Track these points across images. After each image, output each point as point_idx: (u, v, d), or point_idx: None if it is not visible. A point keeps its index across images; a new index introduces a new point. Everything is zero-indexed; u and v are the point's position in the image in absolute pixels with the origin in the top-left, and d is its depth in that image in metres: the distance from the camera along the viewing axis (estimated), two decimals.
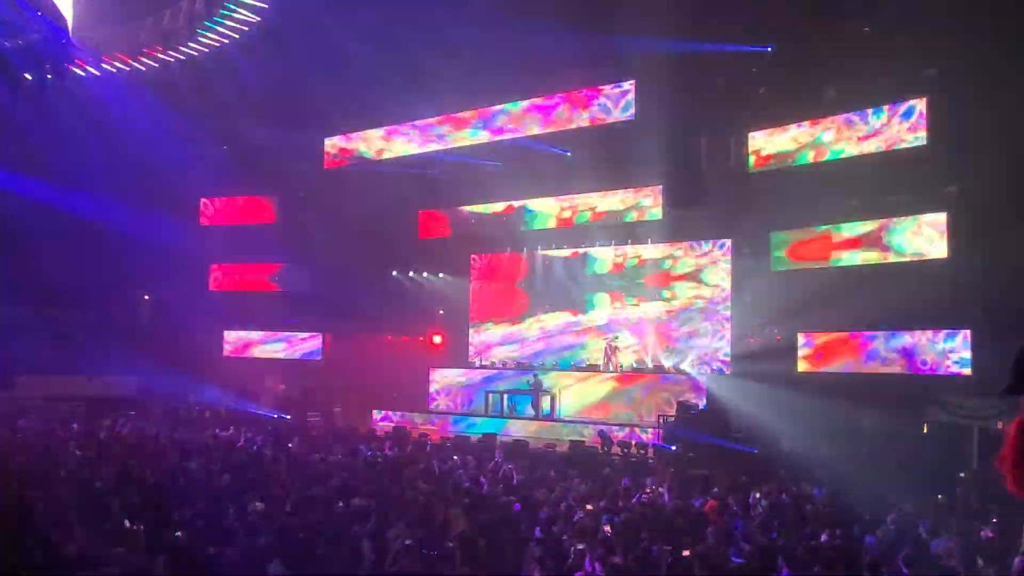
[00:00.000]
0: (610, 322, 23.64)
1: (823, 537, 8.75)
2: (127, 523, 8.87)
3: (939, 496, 12.07)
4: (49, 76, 20.94)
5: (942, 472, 13.64)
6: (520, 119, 23.28)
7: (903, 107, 17.84)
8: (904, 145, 17.78)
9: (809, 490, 12.39)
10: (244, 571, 7.34)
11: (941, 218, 17.61)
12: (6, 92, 21.73)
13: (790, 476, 13.67)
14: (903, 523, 9.65)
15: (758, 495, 11.72)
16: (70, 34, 19.07)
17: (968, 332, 17.19)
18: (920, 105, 17.53)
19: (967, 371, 17.09)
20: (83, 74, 23.46)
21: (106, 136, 24.81)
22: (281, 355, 29.00)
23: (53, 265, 24.52)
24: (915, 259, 18.07)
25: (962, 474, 13.95)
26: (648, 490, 12.09)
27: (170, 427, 19.38)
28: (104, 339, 25.17)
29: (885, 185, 18.42)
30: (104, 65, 23.53)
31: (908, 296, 17.63)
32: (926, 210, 17.96)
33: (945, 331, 17.69)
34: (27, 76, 20.92)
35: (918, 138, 17.49)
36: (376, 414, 24.07)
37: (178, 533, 8.27)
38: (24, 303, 24.36)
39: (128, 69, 23.66)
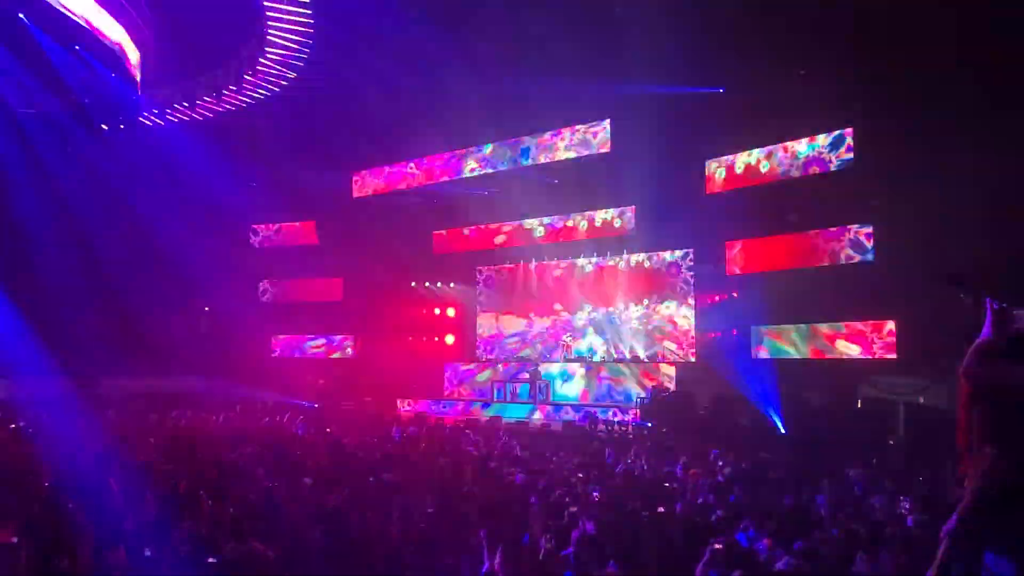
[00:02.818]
0: (591, 321, 23.59)
1: (787, 499, 8.70)
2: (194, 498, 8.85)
3: (873, 460, 12.05)
4: (122, 126, 21.01)
5: (875, 440, 13.64)
6: (517, 153, 23.37)
7: (833, 136, 17.89)
8: (835, 168, 17.83)
9: (766, 458, 12.39)
10: (291, 538, 7.31)
11: (867, 228, 17.66)
12: (87, 138, 21.79)
13: (749, 446, 13.66)
14: (844, 484, 9.64)
15: (721, 463, 11.71)
16: (139, 90, 19.12)
17: (893, 323, 17.24)
18: (847, 135, 17.58)
19: (892, 356, 17.13)
20: (149, 123, 23.51)
21: (169, 174, 24.85)
22: (320, 356, 28.91)
23: (129, 283, 24.52)
24: (847, 262, 18.08)
25: (891, 441, 13.95)
26: (628, 461, 12.07)
27: (227, 418, 19.34)
28: (172, 345, 25.16)
29: (820, 201, 18.40)
30: (167, 115, 23.58)
31: (843, 294, 17.67)
32: (855, 221, 17.99)
33: (873, 322, 17.71)
34: (104, 126, 20.98)
35: (846, 161, 17.54)
36: (400, 403, 24.04)
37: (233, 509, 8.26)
38: (105, 315, 24.35)
39: (187, 118, 23.69)
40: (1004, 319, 2.69)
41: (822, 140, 18.11)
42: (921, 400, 14.59)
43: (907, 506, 8.27)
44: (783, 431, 15.64)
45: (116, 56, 16.78)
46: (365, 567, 6.43)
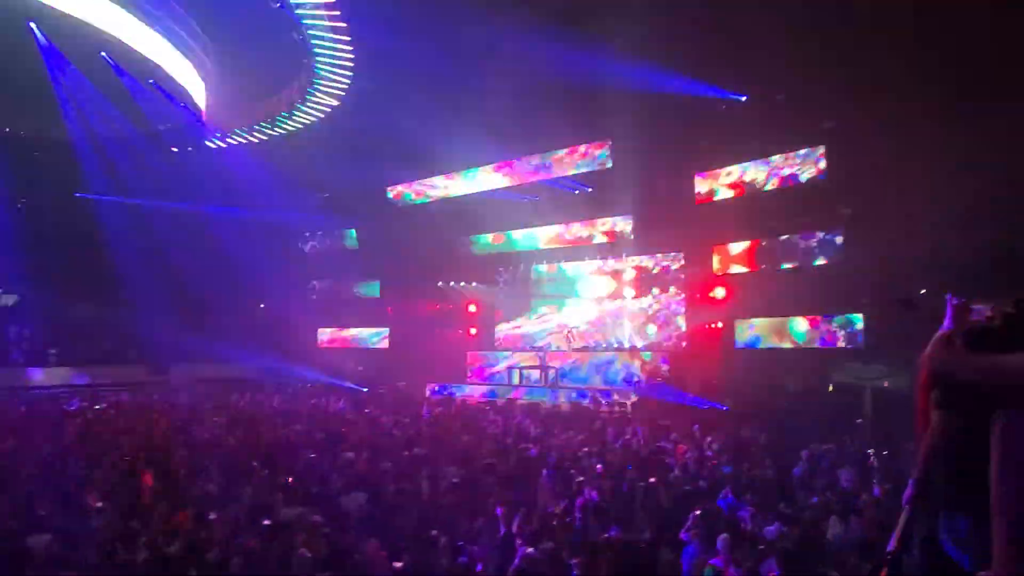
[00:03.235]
0: (594, 315, 23.51)
1: (767, 471, 8.62)
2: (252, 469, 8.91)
3: (844, 438, 11.90)
4: (190, 148, 21.21)
5: (844, 420, 13.47)
6: (530, 169, 23.37)
7: (805, 150, 17.75)
8: (808, 178, 17.68)
9: (748, 434, 12.27)
10: (336, 504, 7.35)
11: (837, 234, 17.49)
12: (160, 160, 22.03)
13: (733, 424, 13.55)
14: (815, 458, 9.54)
15: (709, 439, 11.63)
16: (204, 118, 19.29)
17: (861, 315, 17.04)
18: (820, 149, 17.42)
19: (859, 346, 16.96)
20: (213, 146, 23.71)
21: (231, 189, 25.06)
22: (359, 345, 29.01)
23: (195, 283, 24.76)
24: (821, 263, 17.90)
25: (859, 420, 13.77)
26: (627, 437, 12.03)
27: (280, 399, 19.47)
28: (232, 336, 25.37)
29: (797, 209, 18.22)
30: (229, 139, 23.76)
31: (815, 290, 17.47)
32: (827, 227, 17.82)
33: (843, 315, 17.51)
34: (174, 149, 21.20)
35: (820, 175, 17.38)
36: (429, 386, 24.08)
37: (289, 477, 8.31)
38: (175, 311, 24.65)
39: (245, 141, 23.86)
40: (962, 313, 2.69)
41: (798, 155, 17.97)
42: (886, 384, 14.39)
43: (874, 478, 8.18)
44: (763, 410, 15.42)
45: (184, 89, 16.93)
46: (399, 529, 6.45)
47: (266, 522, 6.24)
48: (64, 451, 9.84)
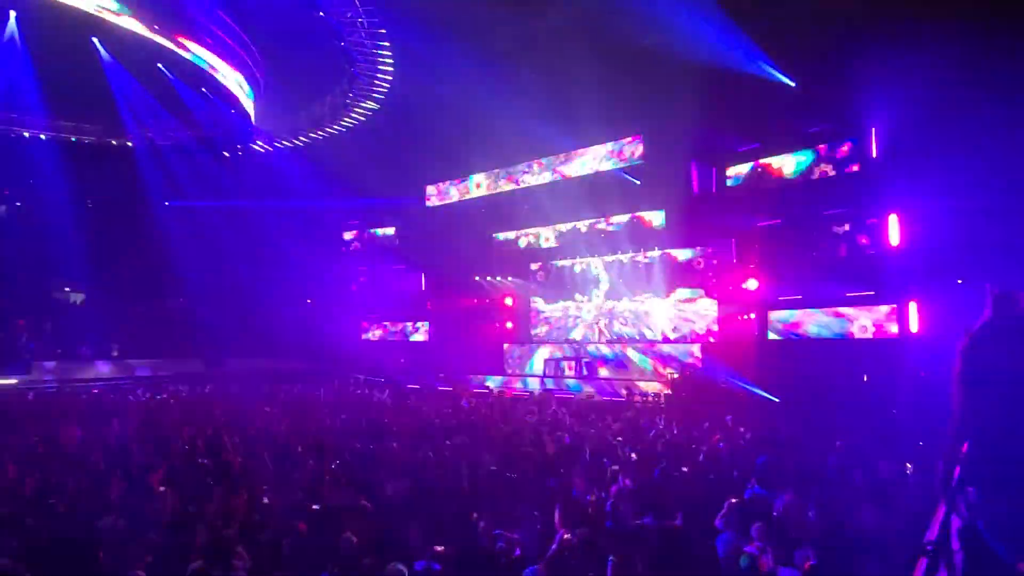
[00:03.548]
0: (627, 307, 23.30)
1: (802, 460, 8.39)
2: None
3: (878, 428, 11.52)
4: (240, 152, 21.74)
5: (882, 410, 13.06)
6: (569, 165, 23.31)
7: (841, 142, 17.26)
8: (850, 164, 17.17)
9: (780, 426, 12.00)
10: (381, 490, 7.45)
11: (885, 219, 16.71)
12: (212, 163, 22.65)
13: (767, 414, 13.28)
14: (851, 448, 9.28)
15: (742, 429, 11.43)
16: (252, 123, 19.75)
17: (899, 304, 16.40)
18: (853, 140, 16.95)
19: (895, 335, 16.37)
20: (261, 150, 24.23)
21: (278, 191, 25.60)
22: (402, 338, 29.38)
23: (246, 280, 25.43)
24: (861, 251, 17.23)
25: (894, 411, 13.34)
26: (660, 426, 11.92)
27: (326, 391, 19.78)
28: (281, 330, 25.96)
29: (837, 195, 17.66)
30: (276, 143, 24.27)
31: (853, 280, 16.93)
32: (872, 215, 17.12)
33: (883, 303, 16.88)
34: (225, 153, 21.76)
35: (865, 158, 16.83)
36: (468, 377, 24.22)
37: (335, 463, 8.47)
38: (229, 308, 25.36)
39: (291, 145, 24.34)
40: (1006, 301, 2.61)
41: (827, 146, 17.46)
42: (922, 374, 13.91)
43: (910, 467, 7.93)
44: (794, 400, 15.05)
45: (234, 97, 17.36)
46: (440, 514, 6.53)
47: (315, 507, 6.41)
48: (129, 439, 10.23)
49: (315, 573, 4.80)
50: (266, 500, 6.86)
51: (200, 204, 24.17)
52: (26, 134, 19.92)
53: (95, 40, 14.32)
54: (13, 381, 21.03)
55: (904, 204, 15.96)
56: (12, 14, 13.42)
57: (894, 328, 16.63)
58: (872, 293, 17.10)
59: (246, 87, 17.93)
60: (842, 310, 17.82)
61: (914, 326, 15.79)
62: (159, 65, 15.47)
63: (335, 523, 5.71)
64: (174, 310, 25.15)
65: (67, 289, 27.09)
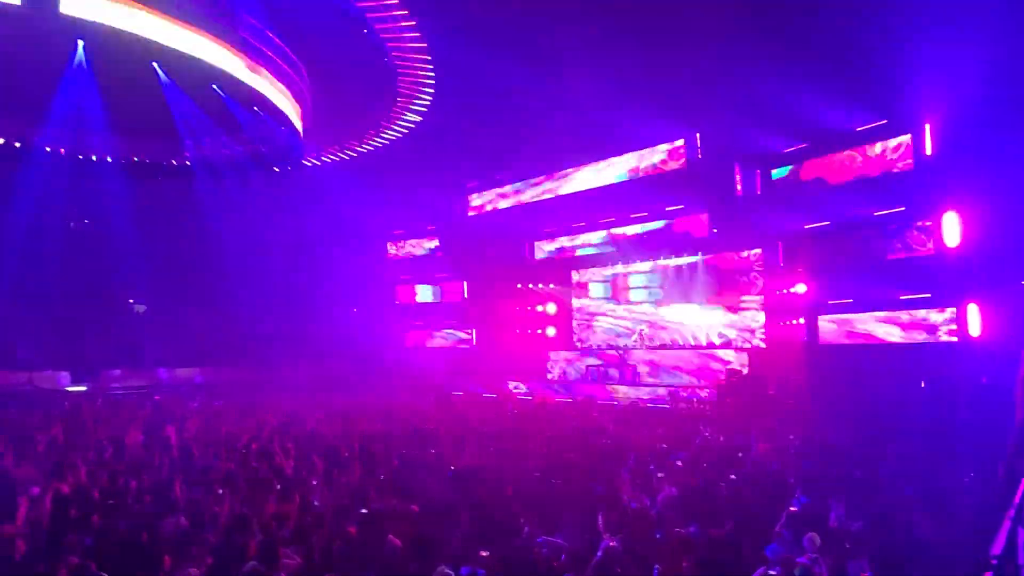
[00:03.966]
0: (672, 312, 22.96)
1: (854, 470, 8.09)
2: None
3: (935, 437, 11.02)
4: (290, 167, 22.38)
5: (938, 418, 12.49)
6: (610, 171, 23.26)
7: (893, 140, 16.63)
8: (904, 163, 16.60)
9: (831, 434, 11.60)
10: (426, 494, 7.50)
11: (941, 220, 15.90)
12: (264, 179, 23.36)
13: (816, 421, 12.88)
14: (906, 456, 8.92)
15: (792, 436, 11.12)
16: (301, 139, 20.31)
17: (957, 308, 15.66)
18: (905, 138, 16.27)
19: (954, 339, 15.60)
20: (309, 164, 24.89)
21: (326, 204, 26.21)
22: (446, 345, 29.63)
23: (296, 294, 26.14)
24: (917, 253, 16.40)
25: (953, 418, 12.72)
26: (706, 433, 11.70)
27: (372, 397, 20.06)
28: (328, 339, 26.51)
29: (888, 196, 17.04)
30: (323, 158, 24.88)
31: (909, 282, 16.22)
32: (926, 215, 16.32)
33: (939, 307, 16.13)
34: (276, 168, 22.44)
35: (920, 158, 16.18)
36: (512, 384, 24.27)
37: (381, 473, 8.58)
38: (278, 319, 26.06)
39: (336, 159, 24.91)
40: None
41: (893, 142, 16.85)
42: (984, 380, 13.26)
43: (970, 476, 7.57)
44: (846, 408, 14.48)
45: (284, 115, 17.89)
46: (485, 519, 6.55)
47: (363, 511, 6.51)
48: (189, 442, 10.60)
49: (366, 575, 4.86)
50: (316, 503, 7.00)
51: (252, 218, 24.95)
52: (93, 157, 20.97)
53: (155, 64, 14.97)
54: (83, 388, 22.08)
55: (962, 203, 15.24)
56: (80, 43, 14.14)
57: (952, 333, 15.91)
58: (928, 296, 16.40)
59: (296, 107, 18.48)
60: (896, 314, 17.15)
61: (974, 330, 15.06)
62: (214, 86, 16.06)
63: (382, 527, 5.78)
64: (229, 320, 25.99)
65: (131, 301, 28.32)
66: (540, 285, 26.94)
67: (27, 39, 13.67)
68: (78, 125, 17.60)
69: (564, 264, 26.16)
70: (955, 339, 15.59)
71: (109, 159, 21.18)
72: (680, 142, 21.17)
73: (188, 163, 21.65)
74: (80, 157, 20.66)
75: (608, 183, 23.17)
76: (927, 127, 16.05)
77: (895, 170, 16.81)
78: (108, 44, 13.66)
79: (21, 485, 7.32)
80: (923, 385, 15.13)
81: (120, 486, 7.43)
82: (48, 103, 16.42)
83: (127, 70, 14.91)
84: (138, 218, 23.19)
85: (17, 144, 19.68)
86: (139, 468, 8.55)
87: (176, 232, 26.43)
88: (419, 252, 30.49)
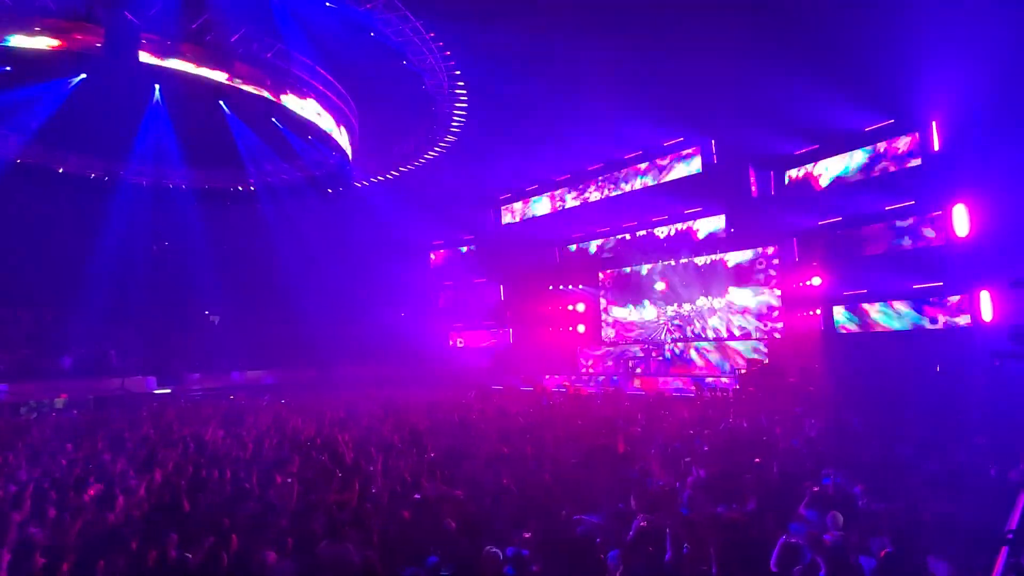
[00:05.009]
0: (694, 307, 22.60)
1: (871, 451, 7.85)
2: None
3: (949, 420, 10.57)
4: (341, 188, 22.78)
5: (953, 402, 11.99)
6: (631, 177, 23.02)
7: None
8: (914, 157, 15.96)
9: (848, 417, 11.25)
10: (473, 481, 7.54)
11: (948, 212, 15.43)
12: (318, 200, 23.82)
13: (835, 407, 12.49)
14: (924, 440, 8.59)
15: (812, 420, 10.82)
16: (350, 162, 20.67)
17: (969, 295, 15.04)
18: (912, 136, 15.70)
19: (967, 324, 14.99)
20: (359, 185, 25.29)
21: (373, 219, 26.62)
22: (485, 344, 29.76)
23: (349, 301, 26.54)
24: (934, 243, 15.88)
25: (967, 400, 12.20)
26: (730, 419, 11.48)
27: (420, 392, 20.22)
28: (379, 340, 26.83)
29: (899, 190, 16.43)
30: (370, 179, 25.27)
31: (920, 270, 15.65)
32: (937, 208, 15.81)
33: (952, 294, 15.52)
34: (329, 190, 22.86)
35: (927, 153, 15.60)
36: (546, 378, 24.24)
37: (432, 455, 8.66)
38: (335, 324, 26.49)
39: (383, 179, 25.28)
40: None
41: (885, 144, 16.31)
42: (997, 363, 12.67)
43: (988, 460, 7.24)
44: (862, 394, 14.00)
45: (335, 142, 18.26)
46: (526, 503, 6.55)
47: (416, 496, 6.58)
48: (259, 436, 10.88)
49: (421, 555, 4.91)
50: (374, 490, 7.09)
51: (309, 235, 25.53)
52: (170, 186, 21.78)
53: (222, 103, 15.50)
54: (168, 390, 22.88)
55: (971, 194, 14.67)
56: (157, 87, 14.73)
57: (965, 318, 15.28)
58: (940, 284, 15.81)
59: (345, 136, 18.86)
60: (909, 303, 16.57)
61: (987, 315, 14.44)
62: (272, 119, 16.53)
63: (434, 511, 5.84)
64: (291, 326, 26.59)
65: (207, 312, 29.21)
66: (570, 286, 26.85)
67: (111, 87, 14.33)
68: (157, 159, 18.33)
69: (592, 266, 26.02)
70: (968, 323, 14.98)
71: (184, 187, 21.95)
72: (696, 147, 20.90)
73: (252, 188, 22.27)
74: (159, 187, 21.49)
75: (630, 188, 22.99)
76: (934, 124, 15.50)
77: (904, 166, 16.27)
78: (180, 87, 14.24)
79: (119, 477, 7.62)
80: (938, 369, 14.59)
81: (203, 477, 7.67)
82: (130, 141, 17.17)
83: (197, 108, 15.48)
84: (211, 239, 23.95)
85: (106, 178, 20.58)
86: (219, 461, 8.81)
87: (244, 250, 27.19)
88: (458, 259, 30.71)
